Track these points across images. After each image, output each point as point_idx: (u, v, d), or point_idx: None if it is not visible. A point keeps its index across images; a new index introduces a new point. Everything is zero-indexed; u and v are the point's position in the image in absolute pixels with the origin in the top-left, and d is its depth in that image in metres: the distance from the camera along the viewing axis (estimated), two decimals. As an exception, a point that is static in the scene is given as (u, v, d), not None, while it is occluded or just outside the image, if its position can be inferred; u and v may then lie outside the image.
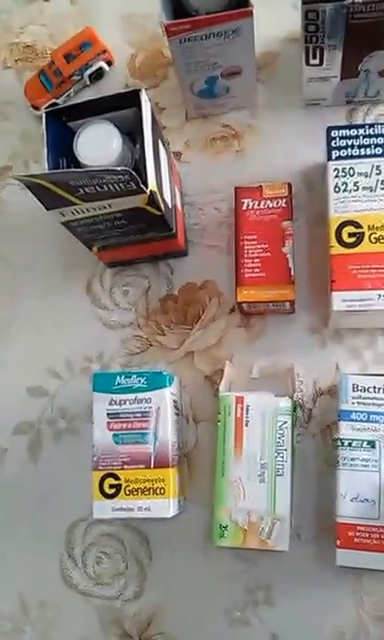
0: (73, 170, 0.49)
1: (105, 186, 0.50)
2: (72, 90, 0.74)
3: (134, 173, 0.48)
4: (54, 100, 0.74)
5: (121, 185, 0.50)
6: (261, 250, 0.63)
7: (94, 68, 0.73)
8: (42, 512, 0.68)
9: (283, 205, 0.64)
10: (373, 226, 0.59)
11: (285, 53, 0.73)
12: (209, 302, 0.69)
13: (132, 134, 0.56)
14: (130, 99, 0.55)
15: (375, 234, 0.59)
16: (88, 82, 0.74)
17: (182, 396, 0.67)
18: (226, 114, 0.72)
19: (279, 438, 0.59)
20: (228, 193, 0.69)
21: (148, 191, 0.52)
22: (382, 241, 0.59)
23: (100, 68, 0.73)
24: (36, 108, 0.74)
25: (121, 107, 0.56)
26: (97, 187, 0.50)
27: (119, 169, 0.47)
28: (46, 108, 0.72)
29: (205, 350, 0.68)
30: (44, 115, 0.55)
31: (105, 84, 0.75)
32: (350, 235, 0.59)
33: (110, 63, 0.74)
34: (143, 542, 0.66)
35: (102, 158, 0.53)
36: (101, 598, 0.66)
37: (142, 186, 0.50)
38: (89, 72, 0.73)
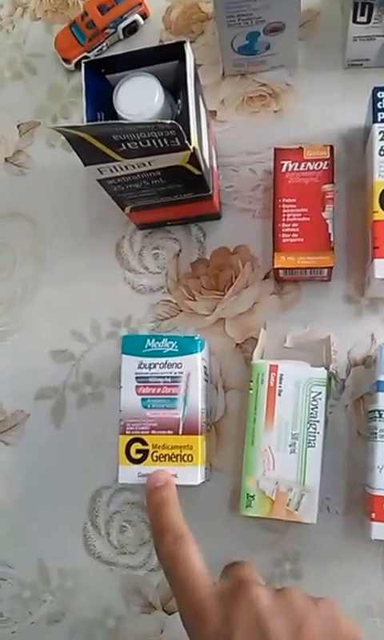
0: (119, 122, 0.49)
1: (148, 142, 0.50)
2: (105, 44, 0.73)
3: (180, 127, 0.48)
4: (85, 53, 0.73)
5: (165, 140, 0.50)
6: (299, 215, 0.63)
7: (128, 21, 0.72)
8: (65, 479, 0.68)
9: (325, 167, 0.64)
10: (419, 192, 0.59)
11: (326, 11, 0.72)
12: (242, 268, 0.69)
13: (172, 88, 0.56)
14: (173, 52, 0.54)
15: (421, 199, 0.58)
16: (122, 36, 0.73)
17: (211, 363, 0.67)
18: (264, 72, 0.71)
19: (312, 409, 0.59)
20: (264, 154, 0.69)
21: (191, 148, 0.51)
22: None
23: (134, 21, 0.73)
24: (67, 61, 0.74)
25: (162, 60, 0.55)
26: (140, 142, 0.50)
27: (168, 122, 0.47)
28: (77, 61, 0.72)
29: (236, 317, 0.68)
30: (83, 66, 0.54)
31: (139, 39, 0.74)
32: (395, 200, 0.59)
33: (144, 16, 0.73)
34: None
35: (143, 112, 0.53)
36: (124, 567, 0.67)
37: (186, 142, 0.50)
38: (123, 25, 0.72)
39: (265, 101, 0.71)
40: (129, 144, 0.50)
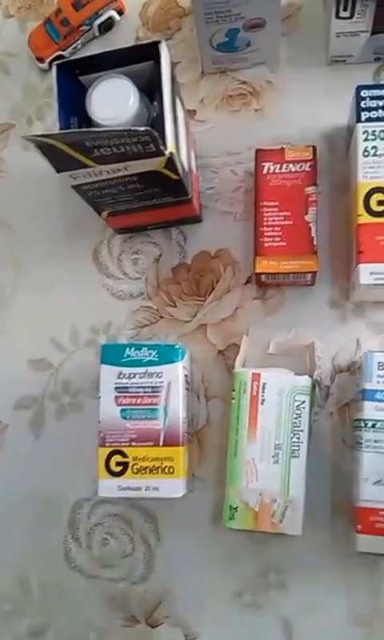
0: (91, 130, 0.46)
1: (122, 147, 0.48)
2: (80, 42, 0.71)
3: (156, 133, 0.46)
4: (60, 52, 0.71)
5: (140, 146, 0.48)
6: (282, 218, 0.61)
7: (104, 17, 0.70)
8: (45, 491, 0.66)
9: (307, 169, 0.62)
10: (404, 194, 0.57)
11: (308, 5, 0.70)
12: (223, 272, 0.67)
13: (148, 89, 0.53)
14: (148, 52, 0.52)
15: (406, 202, 0.57)
16: (97, 33, 0.71)
17: (193, 371, 0.65)
18: (245, 69, 0.69)
19: (296, 418, 0.57)
20: (245, 155, 0.67)
21: (167, 153, 0.49)
22: (413, 209, 0.57)
23: (110, 17, 0.70)
24: (41, 60, 0.71)
25: (137, 60, 0.53)
26: (114, 148, 0.48)
27: (142, 129, 0.45)
28: (51, 60, 0.70)
29: (218, 323, 0.66)
30: (54, 68, 0.52)
31: (115, 35, 0.72)
32: (380, 203, 0.57)
33: (120, 12, 0.71)
34: (151, 522, 0.65)
35: (118, 116, 0.51)
36: (106, 580, 0.65)
37: (162, 147, 0.48)
38: (98, 22, 0.70)
39: (245, 99, 0.69)
40: (102, 150, 0.48)
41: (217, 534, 0.63)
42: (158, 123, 0.52)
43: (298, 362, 0.64)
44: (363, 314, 0.64)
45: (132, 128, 0.45)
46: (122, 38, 0.72)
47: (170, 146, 0.50)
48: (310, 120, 0.68)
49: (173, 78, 0.54)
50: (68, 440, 0.67)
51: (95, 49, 0.72)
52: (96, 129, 0.47)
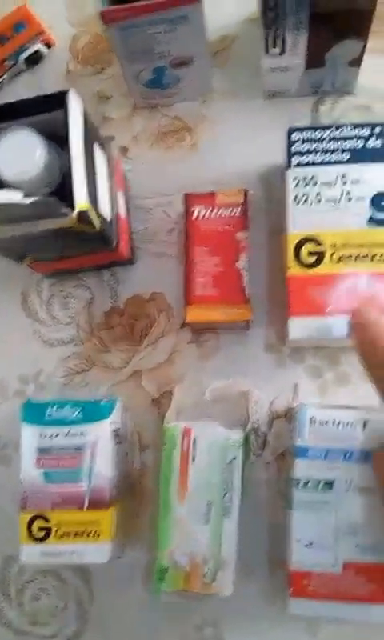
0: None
1: (25, 210, 0.45)
2: (6, 76, 0.68)
3: (56, 201, 0.43)
4: (-15, 87, 0.68)
5: (44, 209, 0.45)
6: (212, 265, 0.59)
7: (30, 51, 0.67)
8: (-27, 547, 0.64)
9: (238, 214, 0.59)
10: (335, 245, 0.54)
11: (245, 35, 0.67)
12: (157, 317, 0.64)
13: (60, 137, 0.50)
14: (59, 100, 0.49)
15: (337, 252, 0.54)
16: (24, 67, 0.68)
17: (126, 421, 0.62)
18: (179, 103, 0.66)
19: (228, 475, 0.55)
20: (178, 195, 0.64)
21: (74, 214, 0.46)
22: (344, 261, 0.54)
23: (37, 51, 0.67)
24: (-35, 96, 0.68)
25: (48, 109, 0.50)
26: (10, 210, 0.45)
27: (39, 199, 0.42)
28: (-24, 96, 0.67)
29: (153, 370, 0.64)
30: None
31: (43, 69, 0.69)
32: (310, 254, 0.55)
33: (48, 45, 0.68)
34: (84, 579, 0.62)
35: (25, 171, 0.48)
36: (37, 638, 0.62)
37: (65, 211, 0.45)
38: (24, 56, 0.67)
39: (179, 135, 0.66)
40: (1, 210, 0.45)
41: (152, 590, 0.60)
42: (70, 176, 0.49)
43: (235, 408, 0.61)
44: (301, 358, 0.62)
45: (29, 201, 0.42)
46: (51, 72, 0.69)
47: (81, 204, 0.48)
48: (247, 157, 0.65)
49: (87, 127, 0.51)
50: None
51: (23, 82, 0.69)
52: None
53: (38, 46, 0.67)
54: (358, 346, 0.50)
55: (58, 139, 0.50)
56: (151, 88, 0.63)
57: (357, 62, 0.59)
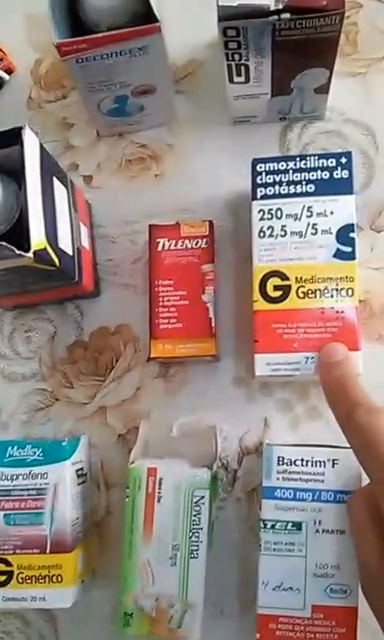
0: None
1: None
2: (-34, 103, 0.67)
3: (7, 246, 0.42)
4: None
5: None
6: (177, 298, 0.58)
7: (-10, 78, 0.65)
8: None
9: (203, 245, 0.58)
10: (301, 278, 0.53)
11: (210, 60, 0.66)
12: (123, 350, 0.63)
13: (17, 174, 0.49)
14: (14, 136, 0.48)
15: (303, 287, 0.53)
16: (-15, 93, 0.67)
17: (91, 458, 0.61)
18: (143, 131, 0.65)
19: (195, 515, 0.54)
20: (144, 224, 0.63)
21: (30, 255, 0.45)
22: (310, 295, 0.53)
23: (-2, 77, 0.66)
24: None
25: (2, 145, 0.48)
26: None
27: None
28: None
29: (119, 405, 0.62)
30: None
31: (5, 95, 0.68)
32: (276, 288, 0.53)
33: (10, 71, 0.67)
34: (49, 620, 0.61)
35: (-22, 208, 0.46)
36: None
37: (20, 253, 0.44)
38: (-16, 82, 0.65)
39: (144, 163, 0.65)
40: None
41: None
42: (26, 213, 0.48)
43: (204, 444, 0.60)
44: (270, 391, 0.61)
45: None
46: (13, 98, 0.67)
47: (37, 243, 0.46)
48: (213, 185, 0.64)
49: (44, 161, 0.49)
50: None
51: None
52: None
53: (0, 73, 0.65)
54: (323, 384, 0.50)
55: (12, 173, 0.49)
56: (114, 117, 0.61)
57: (324, 89, 0.58)
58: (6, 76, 0.66)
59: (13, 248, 0.43)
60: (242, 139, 0.65)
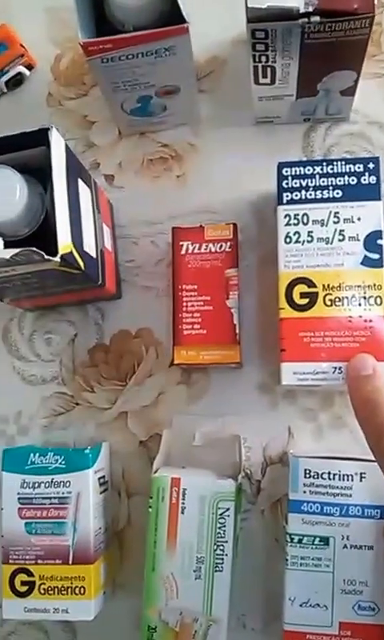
0: None
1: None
2: (-14, 100, 0.66)
3: (37, 251, 0.42)
4: (-36, 112, 0.66)
5: (24, 256, 0.43)
6: (201, 303, 0.57)
7: (10, 74, 0.65)
8: None
9: (227, 249, 0.58)
10: (328, 286, 0.53)
11: (234, 59, 0.65)
12: (145, 354, 0.63)
13: (42, 175, 0.49)
14: (40, 136, 0.47)
15: (330, 294, 0.53)
16: (5, 90, 0.66)
17: (112, 465, 0.61)
18: (165, 130, 0.65)
19: (220, 527, 0.53)
20: (167, 225, 0.63)
21: (57, 258, 0.45)
22: (337, 303, 0.53)
23: (18, 73, 0.65)
24: None
25: (28, 145, 0.48)
26: (-9, 257, 0.44)
27: (20, 252, 0.41)
28: None
29: (140, 411, 0.62)
30: None
31: (25, 91, 0.67)
32: (303, 296, 0.53)
33: (30, 67, 0.66)
34: (70, 632, 0.61)
35: (4, 212, 0.46)
36: None
37: (48, 257, 0.44)
38: (5, 79, 0.65)
39: (167, 164, 0.64)
40: (-22, 260, 0.44)
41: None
42: (52, 215, 0.47)
43: (227, 453, 0.60)
44: (295, 399, 0.61)
45: (9, 255, 0.41)
46: (33, 94, 0.67)
47: (64, 247, 0.46)
48: (236, 186, 0.63)
49: (69, 162, 0.49)
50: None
51: (4, 105, 0.67)
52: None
53: (20, 69, 0.65)
54: (352, 399, 0.49)
55: (37, 174, 0.49)
56: (137, 116, 0.61)
57: (350, 91, 0.57)
58: (26, 71, 0.66)
59: (42, 253, 0.43)
60: (264, 140, 0.64)
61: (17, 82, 0.66)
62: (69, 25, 0.66)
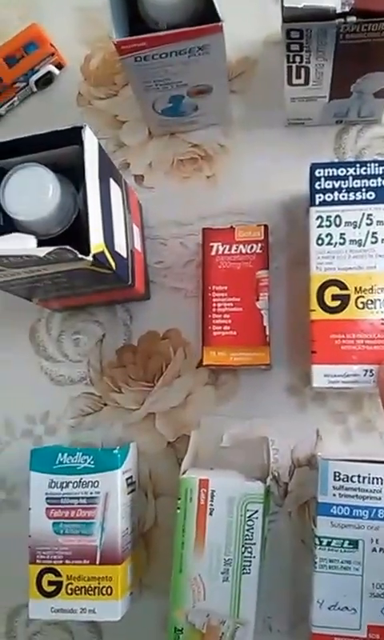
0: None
1: (28, 257, 0.44)
2: (16, 99, 0.67)
3: (71, 250, 0.42)
4: (-6, 110, 0.66)
5: (56, 255, 0.44)
6: (231, 304, 0.57)
7: (40, 73, 0.65)
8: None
9: (258, 251, 0.58)
10: (360, 288, 0.53)
11: (265, 59, 0.65)
12: (173, 355, 0.63)
13: (74, 174, 0.49)
14: (72, 135, 0.47)
15: (363, 297, 0.53)
16: (35, 89, 0.67)
17: (139, 466, 0.61)
18: (196, 131, 0.65)
19: (248, 530, 0.53)
20: (196, 226, 0.63)
21: (90, 257, 0.45)
22: (370, 306, 0.52)
23: (48, 72, 0.66)
24: (-27, 119, 0.67)
25: (60, 144, 0.48)
26: (24, 257, 0.44)
27: (54, 250, 0.41)
28: (-15, 120, 0.66)
29: (168, 412, 0.62)
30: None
31: (55, 91, 0.68)
32: (334, 298, 0.53)
33: (60, 66, 0.66)
34: (95, 632, 0.61)
35: (36, 212, 0.46)
36: None
37: (81, 257, 0.44)
38: (35, 78, 0.65)
39: (197, 164, 0.64)
40: (11, 258, 0.44)
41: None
42: (84, 214, 0.47)
43: (254, 455, 0.60)
44: (324, 401, 0.60)
45: (44, 253, 0.41)
46: (63, 93, 0.67)
47: (97, 247, 0.46)
48: (266, 188, 0.63)
49: (102, 162, 0.49)
50: (3, 540, 0.62)
51: (33, 104, 0.67)
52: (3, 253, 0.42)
53: (50, 68, 0.65)
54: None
55: (67, 173, 0.49)
56: (168, 116, 0.61)
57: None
58: (56, 71, 0.66)
59: (75, 252, 0.43)
60: (295, 141, 0.64)
61: (46, 81, 0.67)
62: (99, 24, 0.67)
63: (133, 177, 0.65)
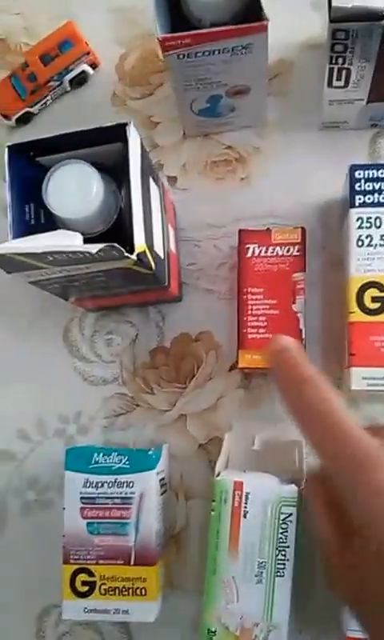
0: (43, 251, 0.42)
1: (80, 254, 0.44)
2: (49, 97, 0.67)
3: (119, 247, 0.42)
4: (27, 109, 0.66)
5: (101, 253, 0.44)
6: (267, 307, 0.57)
7: (75, 72, 0.65)
8: (8, 595, 0.62)
9: (295, 253, 0.58)
10: (402, 290, 0.53)
11: (301, 62, 0.65)
12: (205, 357, 0.63)
13: (115, 172, 0.49)
14: (115, 132, 0.48)
15: (404, 299, 0.52)
16: (69, 88, 0.67)
17: (171, 468, 0.61)
18: (230, 132, 0.65)
19: (282, 532, 0.53)
20: (229, 228, 0.63)
21: (134, 256, 0.45)
22: (411, 308, 0.52)
23: (82, 72, 0.66)
24: (6, 117, 0.67)
25: (103, 141, 0.48)
26: (69, 254, 0.44)
27: (104, 248, 0.41)
28: (19, 117, 0.66)
29: (199, 414, 0.62)
30: (6, 151, 0.48)
31: (88, 90, 0.68)
32: (374, 300, 0.53)
33: (94, 66, 0.67)
34: (125, 633, 0.61)
35: (80, 210, 0.46)
36: None
37: (127, 255, 0.44)
38: (69, 77, 0.66)
39: (231, 166, 0.64)
40: (57, 255, 0.44)
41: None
42: (126, 212, 0.48)
43: (286, 458, 0.59)
44: (357, 406, 0.60)
45: (95, 250, 0.41)
46: (97, 93, 0.67)
47: (140, 247, 0.46)
48: (300, 190, 0.63)
49: (144, 161, 0.49)
50: (34, 540, 0.62)
51: (67, 103, 0.68)
52: (46, 250, 0.42)
53: (84, 67, 0.66)
54: None
55: (109, 171, 0.49)
56: (204, 116, 0.61)
57: None
58: (90, 70, 0.66)
59: (122, 250, 0.43)
60: (330, 145, 0.64)
61: (80, 80, 0.67)
62: (135, 24, 0.67)
63: (166, 178, 0.65)
